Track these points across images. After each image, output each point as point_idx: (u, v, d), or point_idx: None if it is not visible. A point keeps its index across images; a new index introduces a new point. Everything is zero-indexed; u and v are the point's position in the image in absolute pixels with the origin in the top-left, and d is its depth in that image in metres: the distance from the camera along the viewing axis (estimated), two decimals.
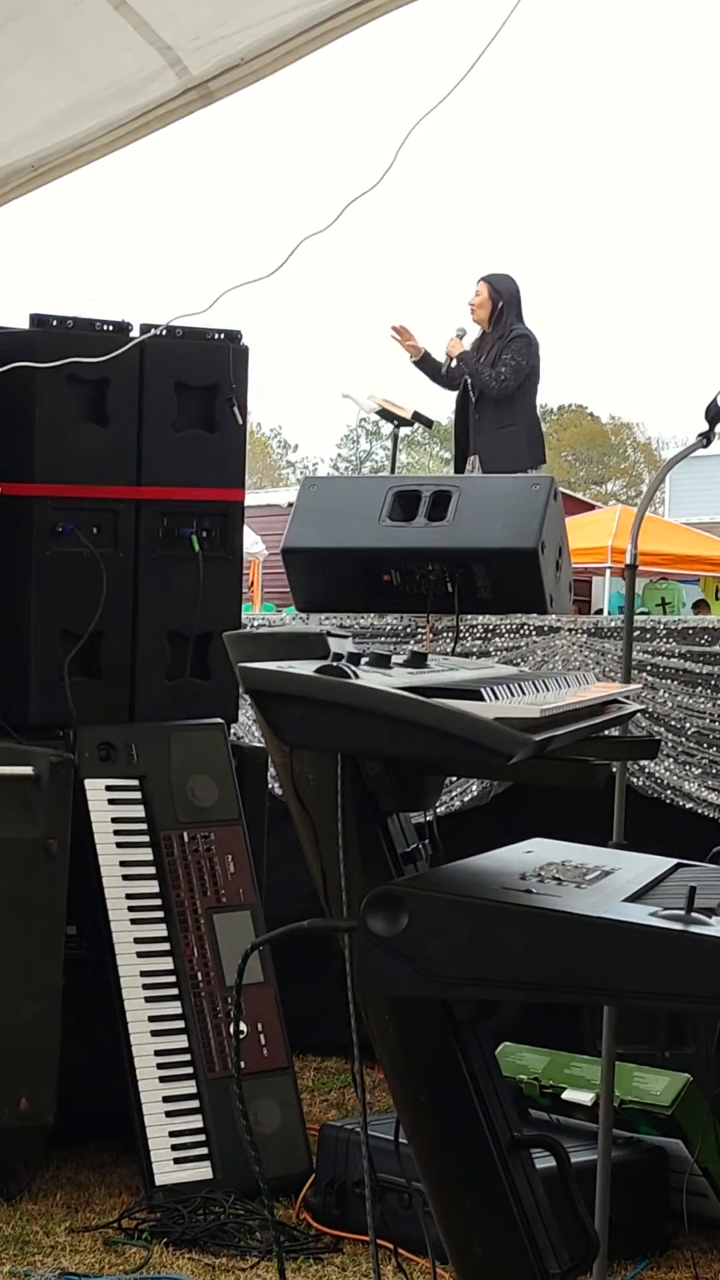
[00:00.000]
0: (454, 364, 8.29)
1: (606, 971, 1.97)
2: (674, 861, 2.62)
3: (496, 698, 2.16)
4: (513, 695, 2.26)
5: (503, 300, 8.24)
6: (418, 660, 2.46)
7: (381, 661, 2.31)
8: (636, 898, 2.21)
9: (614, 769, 3.66)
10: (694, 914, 2.03)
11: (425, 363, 8.48)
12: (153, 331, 4.85)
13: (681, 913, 2.03)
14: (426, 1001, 2.20)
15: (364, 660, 2.30)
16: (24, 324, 4.86)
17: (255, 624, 6.13)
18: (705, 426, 3.89)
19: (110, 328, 4.88)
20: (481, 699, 2.13)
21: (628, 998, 2.01)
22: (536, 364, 8.18)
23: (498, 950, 2.00)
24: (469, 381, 8.36)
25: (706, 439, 3.70)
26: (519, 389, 8.08)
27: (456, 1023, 2.26)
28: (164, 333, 4.85)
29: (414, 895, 2.06)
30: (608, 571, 17.96)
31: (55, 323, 4.82)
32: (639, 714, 5.26)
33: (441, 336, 8.46)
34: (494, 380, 8.14)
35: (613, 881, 2.32)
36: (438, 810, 5.07)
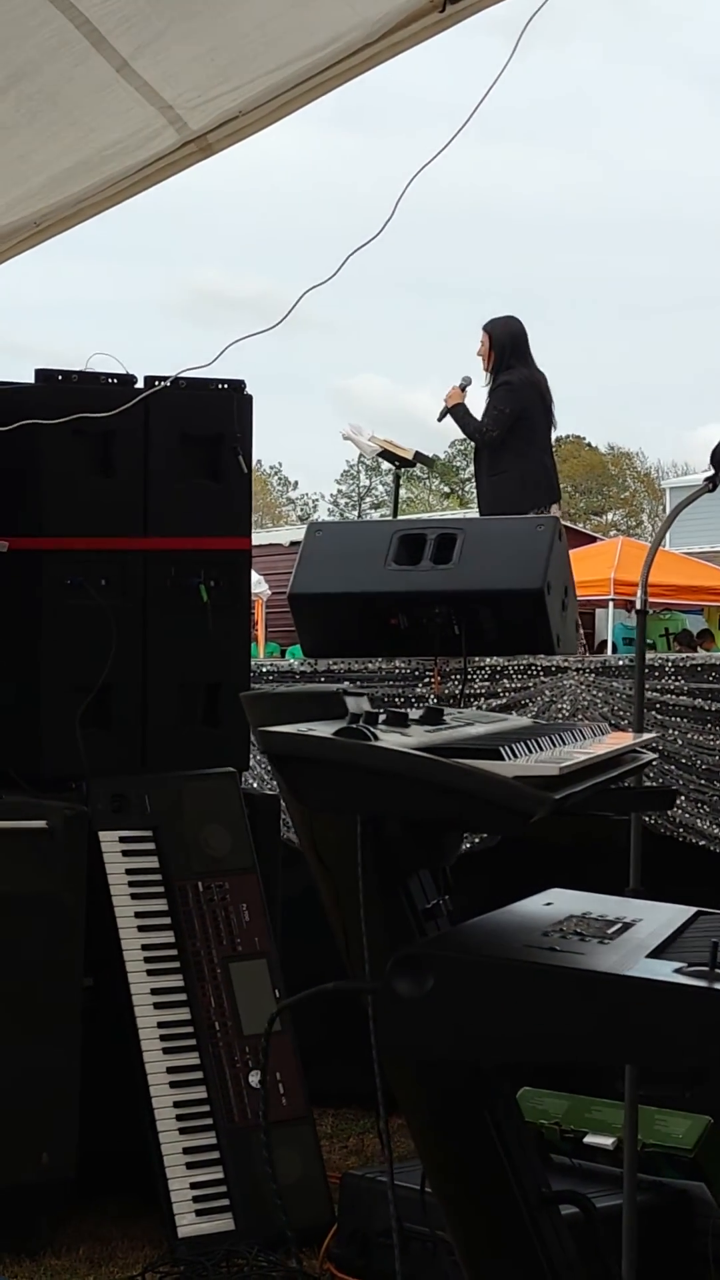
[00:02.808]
0: (444, 415, 8.20)
1: (632, 1031, 1.97)
2: (694, 910, 2.62)
3: (515, 756, 2.17)
4: (530, 752, 2.27)
5: (500, 346, 8.17)
6: (434, 716, 2.47)
7: (399, 720, 2.32)
8: (659, 952, 2.21)
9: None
10: (718, 969, 2.03)
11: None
12: (157, 385, 4.87)
13: (705, 969, 2.03)
14: (452, 1061, 2.20)
15: (381, 719, 2.30)
16: (29, 379, 4.88)
17: (263, 669, 6.14)
18: (708, 462, 3.92)
19: (115, 381, 4.90)
20: (500, 757, 2.14)
21: (654, 1057, 2.01)
22: (526, 408, 8.03)
23: (524, 1011, 2.00)
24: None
25: (713, 484, 3.72)
26: (510, 434, 8.00)
27: (482, 1080, 2.26)
28: (169, 384, 4.87)
29: (439, 957, 2.06)
30: (610, 604, 17.97)
31: (60, 377, 4.84)
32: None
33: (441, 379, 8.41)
34: (476, 431, 8.11)
35: (635, 935, 2.32)
36: None
